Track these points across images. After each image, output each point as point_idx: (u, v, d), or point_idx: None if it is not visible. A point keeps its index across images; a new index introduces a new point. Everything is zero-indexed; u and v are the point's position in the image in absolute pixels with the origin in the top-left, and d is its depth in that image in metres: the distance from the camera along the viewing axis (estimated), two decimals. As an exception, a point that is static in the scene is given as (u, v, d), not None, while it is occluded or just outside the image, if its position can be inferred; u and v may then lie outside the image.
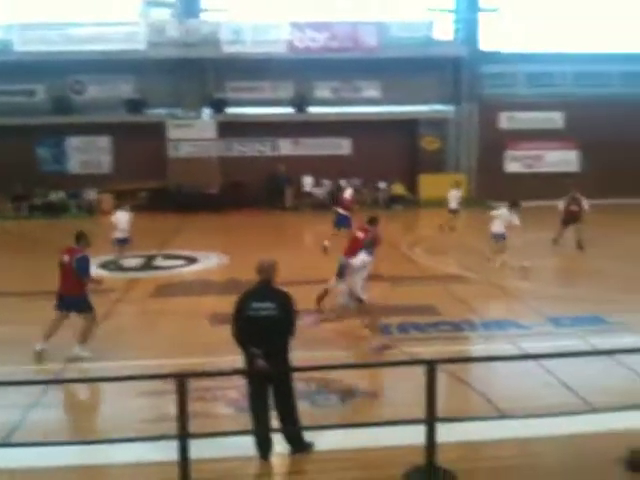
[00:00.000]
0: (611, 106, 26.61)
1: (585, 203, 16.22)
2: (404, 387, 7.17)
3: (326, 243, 15.44)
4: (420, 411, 5.38)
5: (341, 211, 16.70)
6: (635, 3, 26.93)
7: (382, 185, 26.70)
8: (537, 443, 6.09)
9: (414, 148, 27.58)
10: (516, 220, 14.01)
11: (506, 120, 27.60)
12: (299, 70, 25.74)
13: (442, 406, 6.49)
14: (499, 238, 14.26)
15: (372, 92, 26.93)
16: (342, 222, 16.36)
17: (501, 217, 14.32)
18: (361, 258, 9.10)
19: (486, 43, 27.22)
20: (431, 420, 5.32)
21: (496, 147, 27.29)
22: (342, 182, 25.52)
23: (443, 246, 17.39)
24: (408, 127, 27.22)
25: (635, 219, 20.98)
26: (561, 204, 16.46)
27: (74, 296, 8.66)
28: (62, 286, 8.75)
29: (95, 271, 13.64)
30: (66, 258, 8.68)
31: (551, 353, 6.81)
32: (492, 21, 27.26)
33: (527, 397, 7.20)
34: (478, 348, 9.19)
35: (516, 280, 13.10)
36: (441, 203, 24.52)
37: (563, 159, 27.79)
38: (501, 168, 27.69)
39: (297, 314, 5.99)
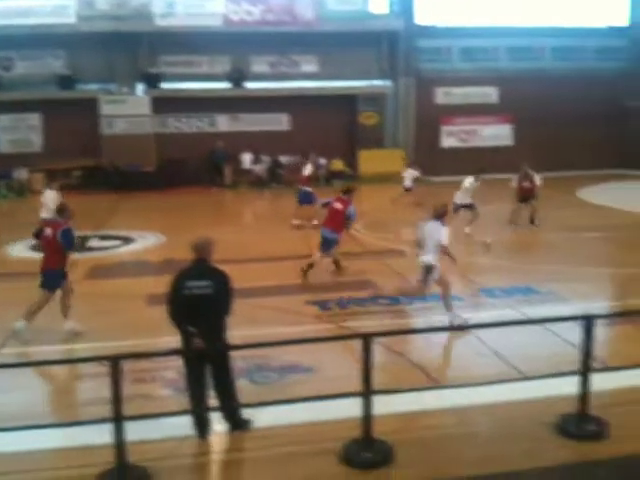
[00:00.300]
0: (543, 80, 27.26)
1: (537, 179, 16.15)
2: (343, 361, 7.27)
3: (295, 222, 15.82)
4: (358, 384, 5.45)
5: (304, 188, 16.72)
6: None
7: (322, 161, 26.71)
8: (471, 411, 6.27)
9: (353, 124, 27.63)
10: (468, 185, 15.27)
11: (442, 95, 27.88)
12: (235, 44, 25.35)
13: (379, 379, 6.62)
14: (468, 208, 15.19)
15: (310, 67, 26.79)
16: (305, 199, 16.43)
17: (471, 187, 15.18)
18: None
19: (422, 17, 27.34)
20: (367, 393, 5.40)
21: (432, 122, 27.59)
22: (282, 158, 25.46)
23: (383, 221, 17.55)
24: (347, 102, 27.21)
25: (567, 192, 21.64)
26: (514, 182, 16.39)
27: (56, 270, 8.47)
28: (45, 261, 8.54)
29: (25, 253, 13.38)
30: (49, 232, 8.46)
31: (482, 323, 6.99)
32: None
33: (461, 367, 7.41)
34: (415, 321, 9.34)
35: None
36: (381, 179, 24.85)
37: (497, 134, 28.34)
38: (437, 143, 28.06)
39: (233, 292, 5.96)
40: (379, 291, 10.49)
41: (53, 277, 8.51)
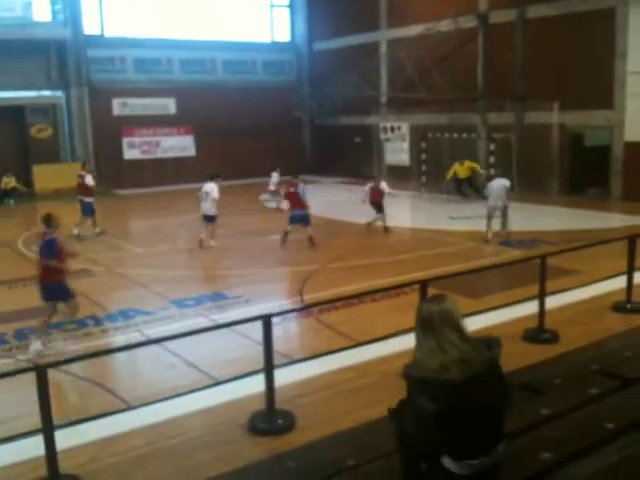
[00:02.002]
0: (218, 92, 28.24)
1: (384, 186, 16.38)
2: (23, 397, 6.60)
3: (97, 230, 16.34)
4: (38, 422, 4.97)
5: (86, 199, 16.52)
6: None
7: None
8: (162, 427, 6.12)
9: (24, 137, 25.60)
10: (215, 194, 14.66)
11: (119, 106, 27.26)
12: None
13: (65, 410, 6.15)
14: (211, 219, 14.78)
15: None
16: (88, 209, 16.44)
17: (212, 194, 14.62)
18: None
19: (92, 27, 26.43)
20: (49, 428, 4.94)
21: (112, 134, 26.82)
22: None
23: (66, 240, 16.40)
24: (15, 114, 25.12)
25: (248, 199, 22.64)
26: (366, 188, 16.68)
27: (51, 282, 8.23)
28: (39, 275, 8.37)
29: None
30: (39, 242, 8.41)
31: (166, 336, 6.88)
32: (95, 4, 26.57)
33: (153, 383, 7.22)
34: (103, 342, 8.89)
35: (138, 268, 13.06)
36: (60, 195, 23.37)
37: (179, 145, 28.60)
38: (120, 155, 27.37)
39: None
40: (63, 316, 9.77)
41: (51, 288, 8.27)
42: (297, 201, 14.77)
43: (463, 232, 16.05)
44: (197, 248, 14.61)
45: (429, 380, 3.03)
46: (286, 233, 14.80)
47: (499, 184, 14.83)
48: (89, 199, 16.53)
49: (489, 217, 14.81)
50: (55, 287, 8.27)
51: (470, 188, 21.87)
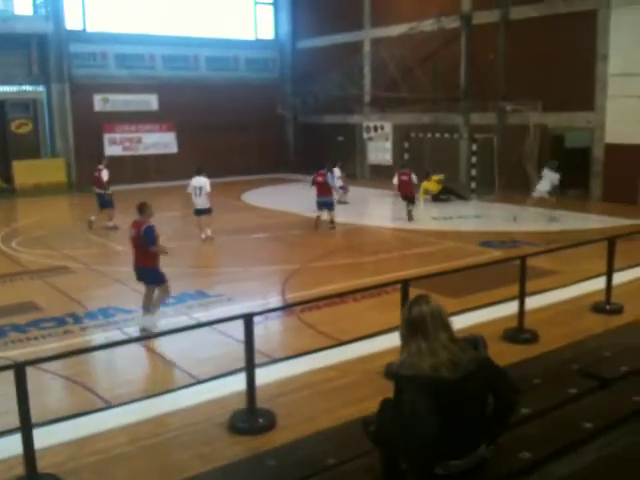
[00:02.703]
0: (201, 88, 28.10)
1: (414, 177, 17.64)
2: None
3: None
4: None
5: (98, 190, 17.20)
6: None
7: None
8: (146, 425, 6.09)
9: (3, 132, 25.31)
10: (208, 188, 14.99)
11: (101, 102, 27.03)
12: None
13: (45, 408, 6.11)
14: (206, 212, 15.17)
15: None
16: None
17: (206, 187, 14.86)
18: None
19: (73, 22, 26.19)
20: (27, 427, 4.89)
21: (94, 130, 26.54)
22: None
23: (45, 237, 16.31)
24: (-6, 109, 24.89)
25: (232, 196, 22.58)
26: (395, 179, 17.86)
27: (147, 267, 8.79)
28: (135, 259, 8.96)
29: None
30: (133, 232, 8.76)
31: (147, 335, 6.86)
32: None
33: (133, 381, 7.18)
34: (82, 340, 8.81)
35: (119, 265, 12.96)
36: (40, 191, 23.21)
37: (161, 141, 28.42)
38: (101, 151, 27.09)
39: None
40: (42, 313, 9.70)
41: (147, 273, 8.86)
42: (325, 189, 16.33)
43: (444, 232, 16.13)
44: (177, 245, 14.54)
45: (421, 377, 3.04)
46: (318, 217, 16.36)
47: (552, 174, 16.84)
48: (100, 191, 17.17)
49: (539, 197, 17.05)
50: (152, 272, 8.85)
51: (450, 194, 21.72)
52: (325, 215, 16.50)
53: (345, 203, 20.33)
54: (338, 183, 19.98)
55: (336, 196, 18.15)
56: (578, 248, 10.52)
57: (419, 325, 3.14)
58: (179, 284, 11.49)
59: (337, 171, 20.47)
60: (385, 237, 16.44)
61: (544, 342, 7.81)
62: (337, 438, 4.64)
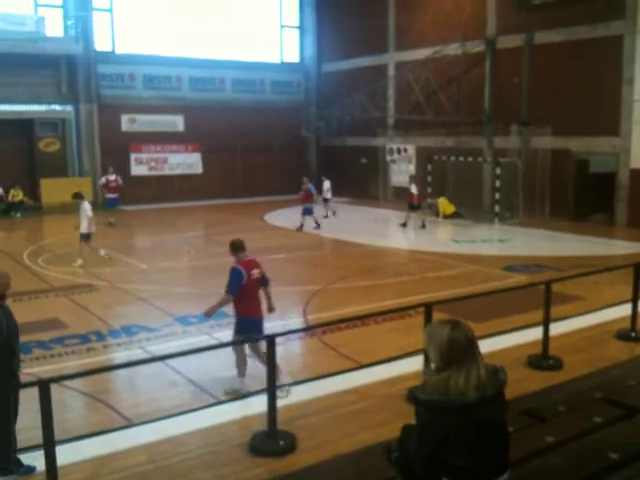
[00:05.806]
0: (226, 110, 28.44)
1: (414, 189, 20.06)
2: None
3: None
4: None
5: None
6: (242, 16, 29.15)
7: (-1, 191, 24.45)
8: (167, 444, 6.10)
9: (32, 150, 25.78)
10: None
11: (128, 122, 27.43)
12: None
13: (67, 425, 6.14)
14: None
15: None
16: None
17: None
18: None
19: (102, 43, 26.71)
20: (50, 443, 4.93)
21: (120, 150, 26.95)
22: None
23: (71, 254, 16.47)
24: (24, 128, 25.33)
25: (254, 217, 22.71)
26: (413, 188, 20.10)
27: (241, 316, 7.52)
28: (257, 307, 7.64)
29: None
30: (257, 273, 7.60)
31: (169, 354, 6.88)
32: (107, 21, 26.87)
33: (154, 400, 7.19)
34: (105, 358, 8.87)
35: (142, 283, 13.06)
36: (66, 209, 23.47)
37: (186, 162, 28.71)
38: (127, 171, 27.46)
39: None
40: (66, 330, 9.79)
41: (243, 323, 7.46)
42: (308, 197, 19.95)
43: (467, 255, 16.03)
44: (196, 264, 14.61)
45: (449, 402, 3.02)
46: (302, 225, 19.73)
47: None
48: (116, 195, 22.12)
49: None
50: (243, 320, 7.60)
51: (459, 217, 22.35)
52: (308, 220, 19.74)
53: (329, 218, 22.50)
54: (328, 195, 22.83)
55: (325, 211, 22.45)
56: (603, 274, 10.41)
57: (454, 350, 3.12)
58: (200, 303, 11.53)
59: (327, 184, 22.87)
60: (406, 259, 16.39)
61: (568, 369, 7.72)
62: (357, 464, 4.62)
